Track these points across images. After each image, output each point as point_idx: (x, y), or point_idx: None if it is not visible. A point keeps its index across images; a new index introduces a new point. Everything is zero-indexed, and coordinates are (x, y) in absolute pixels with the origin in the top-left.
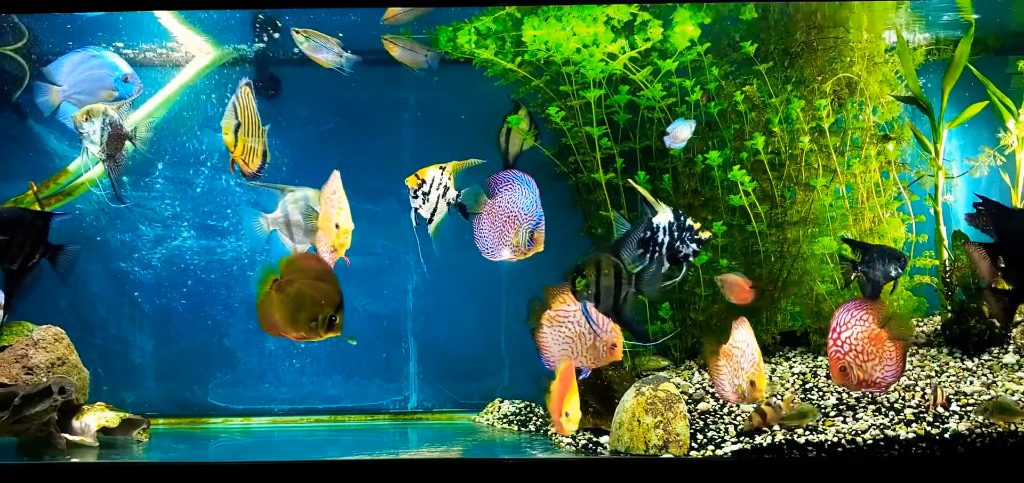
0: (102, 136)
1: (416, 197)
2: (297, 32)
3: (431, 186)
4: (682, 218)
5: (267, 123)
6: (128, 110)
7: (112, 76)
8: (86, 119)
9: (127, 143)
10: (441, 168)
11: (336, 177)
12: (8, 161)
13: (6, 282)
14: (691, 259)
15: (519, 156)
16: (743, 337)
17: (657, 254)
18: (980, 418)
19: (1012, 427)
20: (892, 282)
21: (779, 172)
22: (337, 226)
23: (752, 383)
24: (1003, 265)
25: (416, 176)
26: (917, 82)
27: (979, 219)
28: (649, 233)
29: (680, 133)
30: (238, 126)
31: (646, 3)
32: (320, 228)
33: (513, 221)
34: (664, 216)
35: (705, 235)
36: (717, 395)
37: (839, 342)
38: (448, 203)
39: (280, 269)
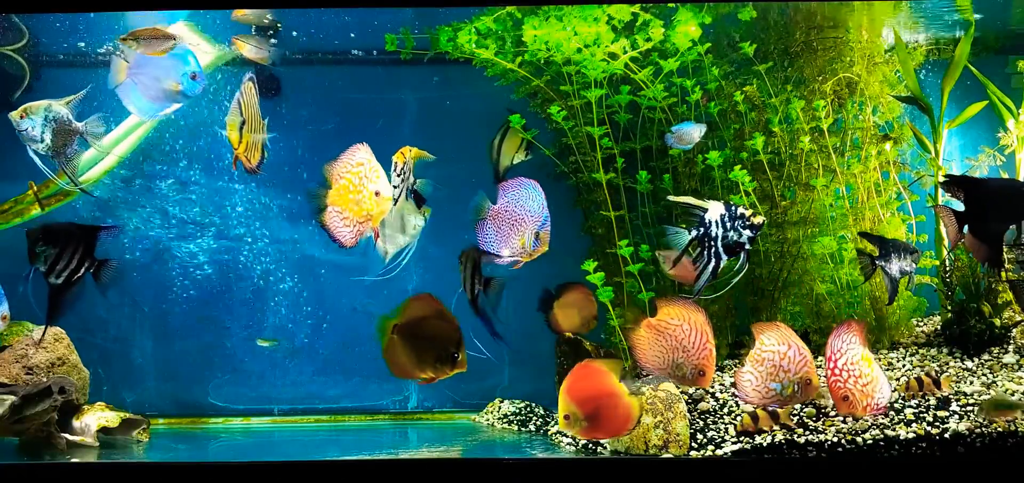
0: (43, 132)
1: (399, 174)
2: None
3: (404, 169)
4: (733, 208)
5: (265, 116)
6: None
7: (180, 71)
8: (22, 116)
9: (76, 137)
10: (406, 151)
11: (365, 148)
12: (8, 161)
13: (50, 296)
14: (748, 247)
15: (510, 169)
16: (774, 339)
17: (714, 249)
18: (980, 418)
19: (1011, 424)
20: (908, 277)
21: (779, 172)
22: (377, 193)
23: (809, 381)
24: (969, 229)
25: (401, 153)
26: (916, 82)
27: (951, 189)
28: (703, 230)
29: (688, 135)
30: (243, 123)
31: (647, 3)
32: (333, 202)
33: (519, 223)
34: (715, 210)
35: (758, 219)
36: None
37: (837, 371)
38: (407, 188)
39: (399, 313)
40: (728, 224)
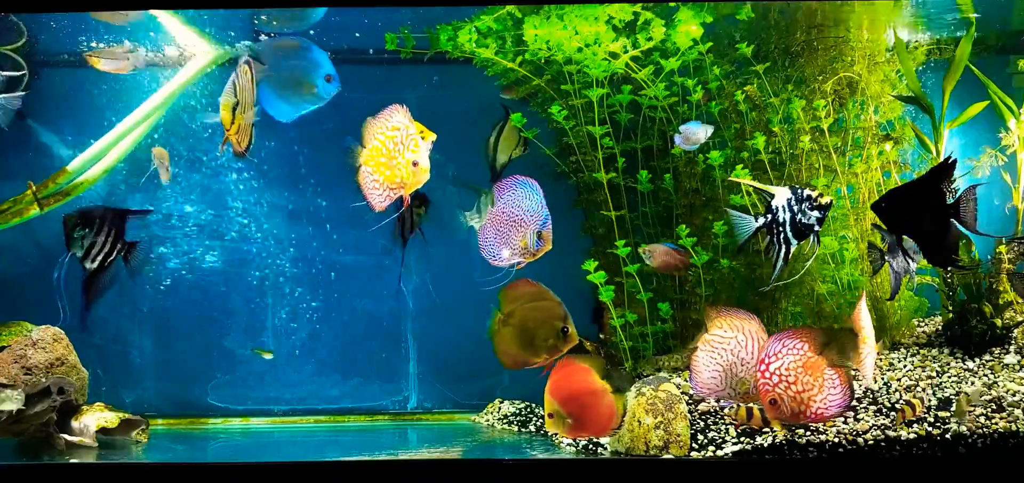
0: None
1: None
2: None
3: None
4: (799, 190)
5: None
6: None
7: (315, 72)
8: None
9: None
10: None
11: (403, 111)
12: (8, 161)
13: (84, 282)
14: (817, 228)
15: (507, 165)
16: (731, 326)
17: (783, 233)
18: (956, 423)
19: (979, 405)
20: (909, 275)
21: (780, 172)
22: (415, 164)
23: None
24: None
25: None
26: (917, 82)
27: (881, 215)
28: (771, 215)
29: (695, 134)
30: (236, 105)
31: (648, 2)
32: (365, 163)
33: (519, 224)
34: (781, 195)
35: (825, 200)
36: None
37: (768, 374)
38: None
39: (501, 304)
40: (796, 207)
